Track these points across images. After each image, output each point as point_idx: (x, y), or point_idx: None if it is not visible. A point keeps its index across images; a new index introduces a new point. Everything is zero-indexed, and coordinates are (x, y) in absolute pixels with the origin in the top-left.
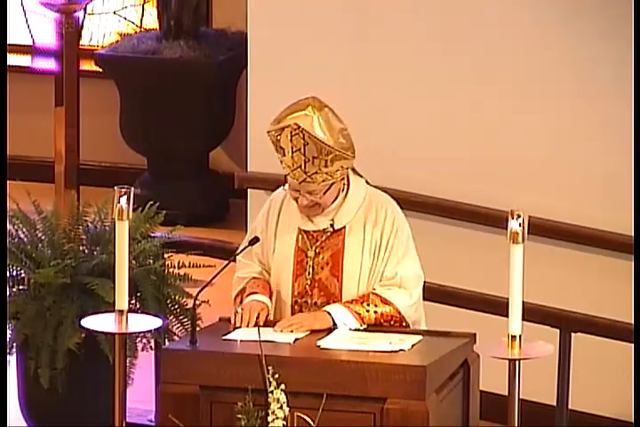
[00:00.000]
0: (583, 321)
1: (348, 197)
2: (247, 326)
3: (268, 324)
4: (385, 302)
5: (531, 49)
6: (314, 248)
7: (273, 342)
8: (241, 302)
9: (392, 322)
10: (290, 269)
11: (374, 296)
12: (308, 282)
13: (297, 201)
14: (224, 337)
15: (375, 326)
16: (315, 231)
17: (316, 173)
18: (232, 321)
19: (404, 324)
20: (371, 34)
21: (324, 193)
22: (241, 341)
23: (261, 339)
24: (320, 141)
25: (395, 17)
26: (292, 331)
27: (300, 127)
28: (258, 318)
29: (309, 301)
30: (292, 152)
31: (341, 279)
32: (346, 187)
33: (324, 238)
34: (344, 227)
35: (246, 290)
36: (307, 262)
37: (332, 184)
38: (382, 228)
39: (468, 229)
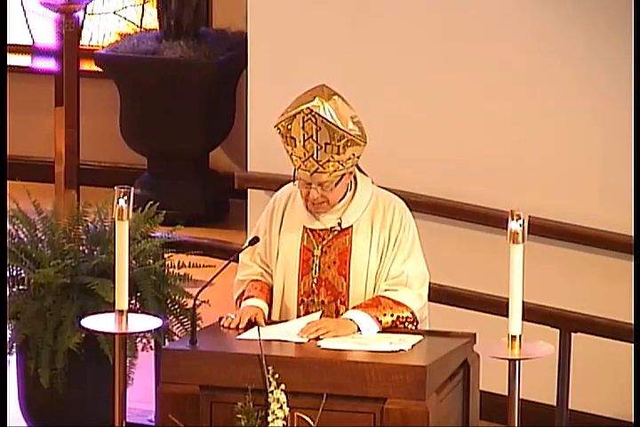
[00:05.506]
0: (583, 321)
1: (356, 195)
2: (236, 328)
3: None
4: (397, 303)
5: (531, 49)
6: (320, 247)
7: (286, 341)
8: (241, 305)
9: (406, 323)
10: (295, 268)
11: (385, 299)
12: (315, 281)
13: (307, 197)
14: (238, 337)
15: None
16: (321, 230)
17: (329, 160)
18: (221, 322)
19: (415, 324)
20: (371, 34)
21: (335, 185)
22: (249, 340)
23: (277, 339)
24: (333, 125)
25: (396, 17)
26: (317, 337)
27: (312, 111)
28: (248, 322)
29: (316, 300)
30: (304, 140)
31: (349, 278)
32: (353, 185)
33: (330, 237)
34: (351, 226)
35: (245, 293)
36: (313, 261)
37: (343, 176)
38: (390, 226)
39: (469, 229)
